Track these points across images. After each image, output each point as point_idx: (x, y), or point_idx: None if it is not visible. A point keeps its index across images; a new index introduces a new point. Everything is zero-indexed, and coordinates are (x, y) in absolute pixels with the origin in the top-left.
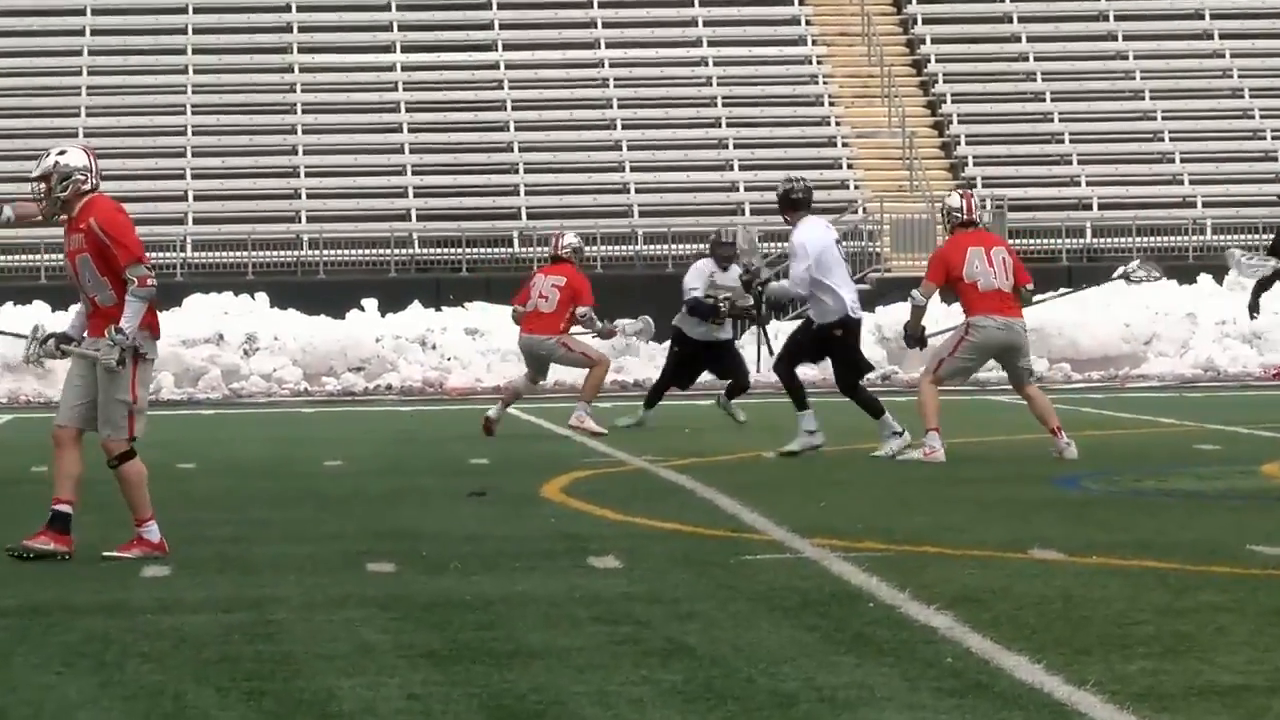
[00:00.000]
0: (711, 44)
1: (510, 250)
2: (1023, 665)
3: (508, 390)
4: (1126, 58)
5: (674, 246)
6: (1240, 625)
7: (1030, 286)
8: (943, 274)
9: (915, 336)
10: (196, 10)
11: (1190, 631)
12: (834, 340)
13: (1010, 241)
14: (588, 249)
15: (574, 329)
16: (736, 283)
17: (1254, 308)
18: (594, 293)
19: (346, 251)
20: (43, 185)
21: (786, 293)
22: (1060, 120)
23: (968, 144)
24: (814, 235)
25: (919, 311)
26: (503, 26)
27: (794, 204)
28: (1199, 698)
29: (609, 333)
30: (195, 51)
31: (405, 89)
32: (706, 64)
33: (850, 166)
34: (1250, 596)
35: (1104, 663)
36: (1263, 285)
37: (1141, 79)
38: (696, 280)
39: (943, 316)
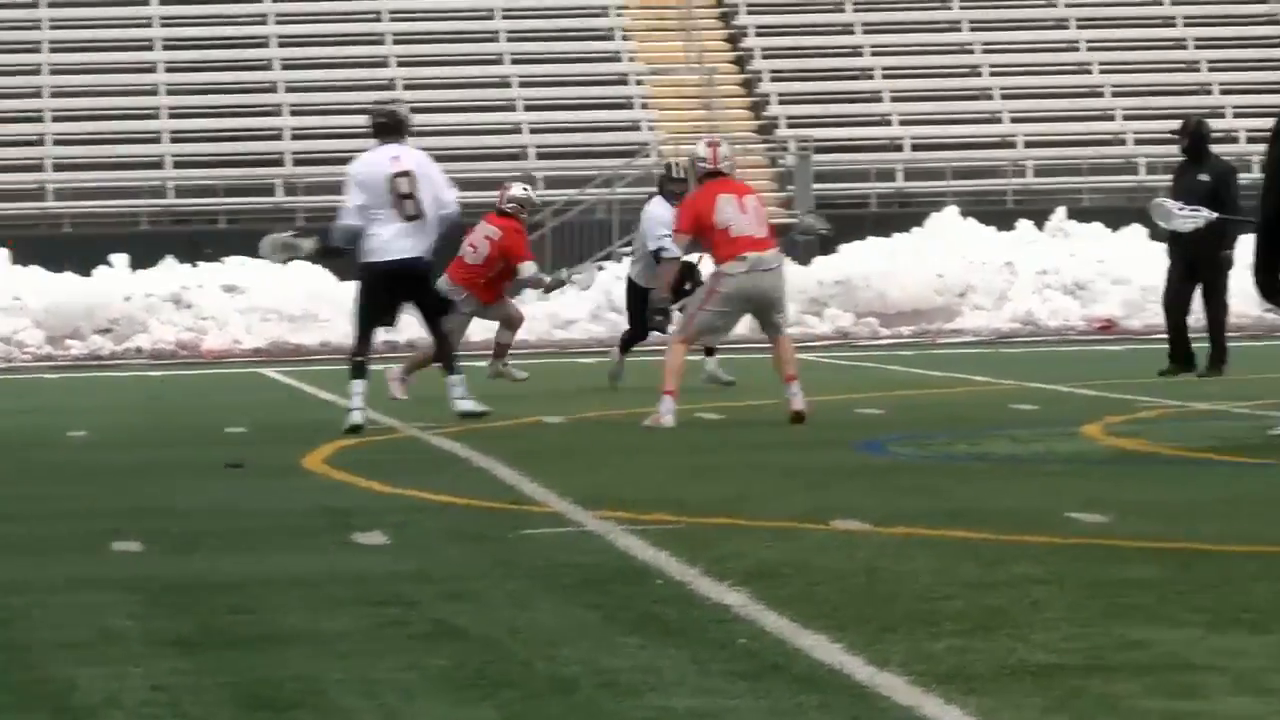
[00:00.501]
0: None
1: (273, 200)
2: (822, 645)
3: (416, 355)
4: None
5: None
6: (1056, 599)
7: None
8: (692, 222)
9: (662, 309)
10: None
11: (1002, 606)
12: (381, 283)
13: (816, 186)
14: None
15: (524, 291)
16: None
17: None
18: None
19: (94, 202)
20: None
21: (340, 233)
22: (871, 54)
23: (771, 80)
24: (361, 166)
25: (671, 265)
26: None
27: (375, 129)
28: (1010, 678)
29: (557, 283)
30: None
31: (162, 24)
32: None
33: (644, 106)
34: (1067, 568)
35: (909, 641)
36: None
37: (959, 8)
38: (662, 226)
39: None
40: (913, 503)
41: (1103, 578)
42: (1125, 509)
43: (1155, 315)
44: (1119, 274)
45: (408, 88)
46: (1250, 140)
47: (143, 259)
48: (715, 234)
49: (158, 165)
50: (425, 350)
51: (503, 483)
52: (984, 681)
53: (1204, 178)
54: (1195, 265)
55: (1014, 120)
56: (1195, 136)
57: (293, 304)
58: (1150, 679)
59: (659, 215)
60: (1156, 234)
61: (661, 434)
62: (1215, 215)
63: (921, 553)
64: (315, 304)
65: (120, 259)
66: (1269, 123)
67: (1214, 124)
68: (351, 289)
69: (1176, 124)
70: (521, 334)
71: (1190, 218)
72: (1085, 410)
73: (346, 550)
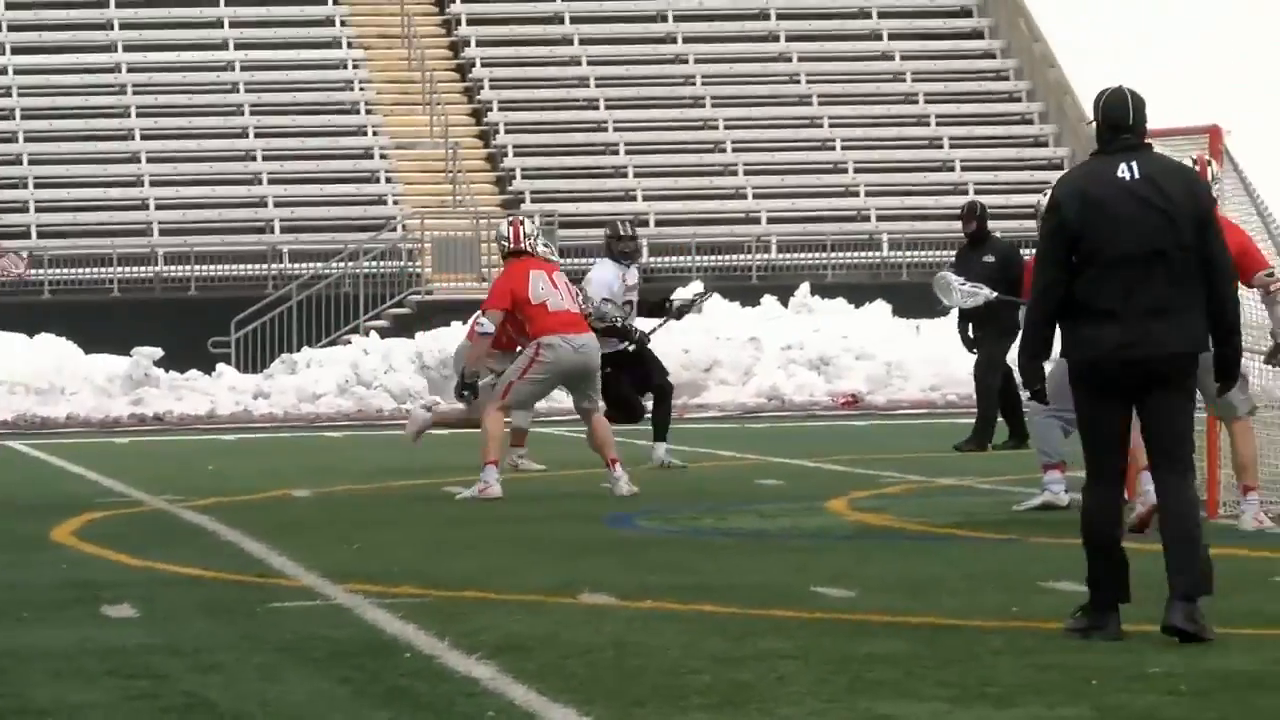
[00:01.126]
0: (239, 46)
1: (18, 272)
2: (570, 718)
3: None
4: (686, 61)
5: (197, 267)
6: (803, 673)
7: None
8: (508, 298)
9: (469, 383)
10: None
11: (750, 681)
12: None
13: (561, 261)
14: (105, 271)
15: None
16: (638, 280)
17: (970, 343)
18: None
19: None
20: None
21: None
22: (615, 129)
23: (515, 155)
24: None
25: (486, 340)
26: (11, 28)
27: None
28: None
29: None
30: None
31: None
32: (233, 68)
33: (389, 180)
34: (814, 642)
35: (657, 715)
36: (966, 318)
37: (702, 84)
38: (604, 289)
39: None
40: (660, 577)
41: (849, 652)
42: (870, 584)
43: (899, 390)
44: (863, 349)
45: (150, 160)
46: (993, 216)
47: None
48: (531, 309)
49: None
50: (448, 413)
51: (251, 556)
52: None
53: (989, 259)
54: (978, 339)
55: (757, 196)
56: (981, 219)
57: (39, 377)
58: None
59: (602, 278)
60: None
61: (411, 508)
62: (995, 295)
63: (669, 627)
64: (61, 377)
65: None
66: (1015, 199)
67: (954, 200)
68: (96, 362)
69: (919, 200)
70: (268, 406)
71: (971, 294)
72: (831, 485)
73: (96, 623)
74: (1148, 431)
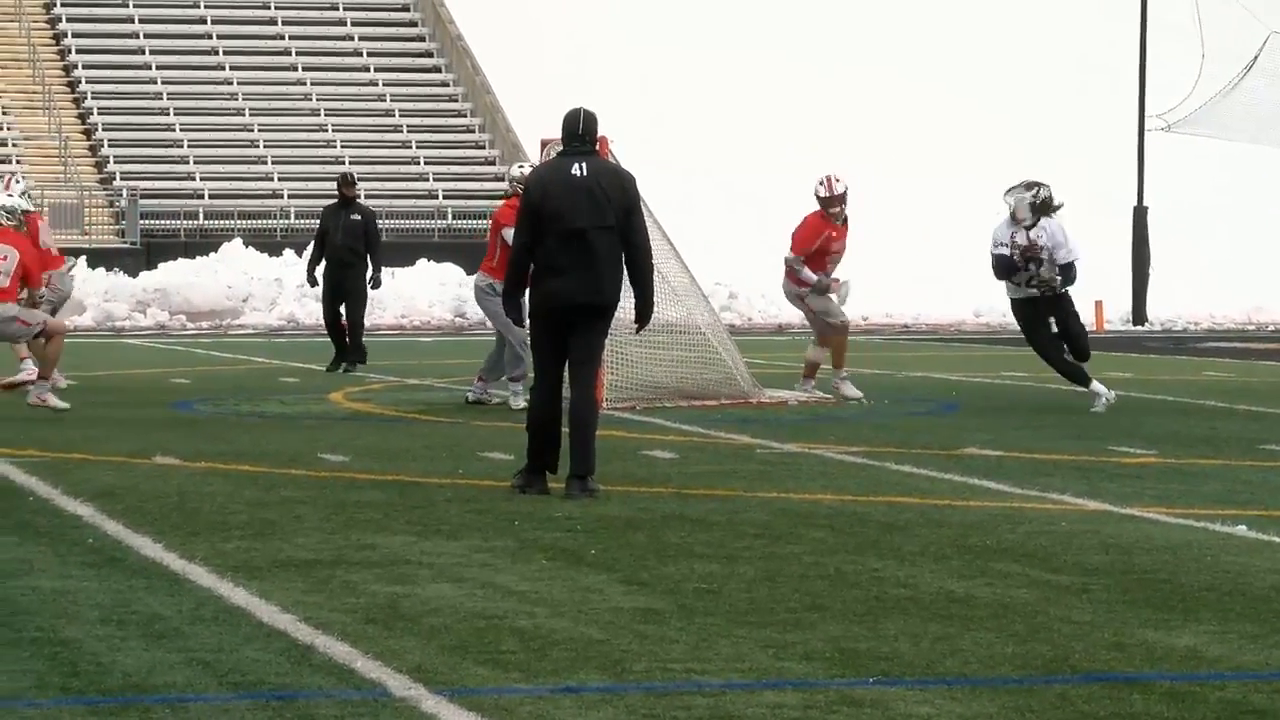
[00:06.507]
0: None
1: None
2: (147, 544)
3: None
4: (227, 70)
5: None
6: (313, 514)
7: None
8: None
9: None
10: None
11: (275, 519)
12: None
13: (142, 221)
14: None
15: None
16: (1056, 235)
17: (311, 280)
18: None
19: None
20: None
21: None
22: (181, 130)
23: (109, 146)
24: None
25: None
26: None
27: None
28: (281, 569)
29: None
30: None
31: None
32: None
33: (18, 162)
34: (320, 493)
35: (209, 542)
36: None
37: (243, 100)
38: (1004, 235)
39: None
40: (211, 445)
41: (345, 500)
42: (360, 452)
43: (380, 316)
44: None
45: None
46: (455, 196)
47: None
48: None
49: None
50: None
51: None
52: (262, 571)
53: (355, 217)
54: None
55: (281, 179)
56: (352, 185)
57: None
58: (379, 570)
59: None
60: None
61: (23, 397)
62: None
63: (217, 480)
64: None
65: None
66: (466, 185)
67: (418, 185)
68: None
69: (398, 185)
70: None
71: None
72: (331, 382)
73: None
74: (570, 349)
